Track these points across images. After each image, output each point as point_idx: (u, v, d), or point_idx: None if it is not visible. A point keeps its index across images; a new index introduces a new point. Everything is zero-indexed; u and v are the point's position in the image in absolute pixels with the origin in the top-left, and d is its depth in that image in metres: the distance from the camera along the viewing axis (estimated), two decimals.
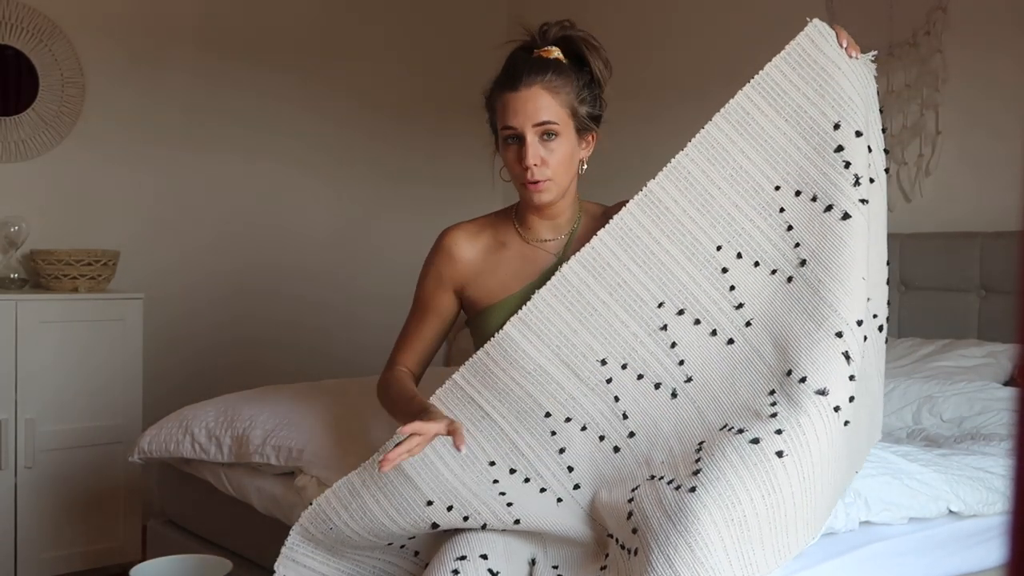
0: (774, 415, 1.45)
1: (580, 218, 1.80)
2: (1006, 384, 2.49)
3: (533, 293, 1.71)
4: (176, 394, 3.46)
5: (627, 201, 1.78)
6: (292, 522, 2.02)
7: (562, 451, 1.58)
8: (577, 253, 1.64)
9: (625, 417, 1.57)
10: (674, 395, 1.57)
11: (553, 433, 1.59)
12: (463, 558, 1.46)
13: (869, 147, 1.61)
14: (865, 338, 1.53)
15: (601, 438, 1.58)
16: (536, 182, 1.67)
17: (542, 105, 1.67)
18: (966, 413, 2.37)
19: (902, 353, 2.68)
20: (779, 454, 1.38)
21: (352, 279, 4.05)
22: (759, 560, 1.33)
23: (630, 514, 1.40)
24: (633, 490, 1.46)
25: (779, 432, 1.42)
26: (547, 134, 1.67)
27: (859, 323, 1.52)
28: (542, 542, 1.54)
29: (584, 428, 1.59)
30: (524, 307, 1.62)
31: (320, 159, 3.95)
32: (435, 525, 1.54)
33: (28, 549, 2.94)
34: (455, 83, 4.32)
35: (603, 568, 1.43)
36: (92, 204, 3.41)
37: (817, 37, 1.64)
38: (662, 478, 1.43)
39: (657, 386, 1.58)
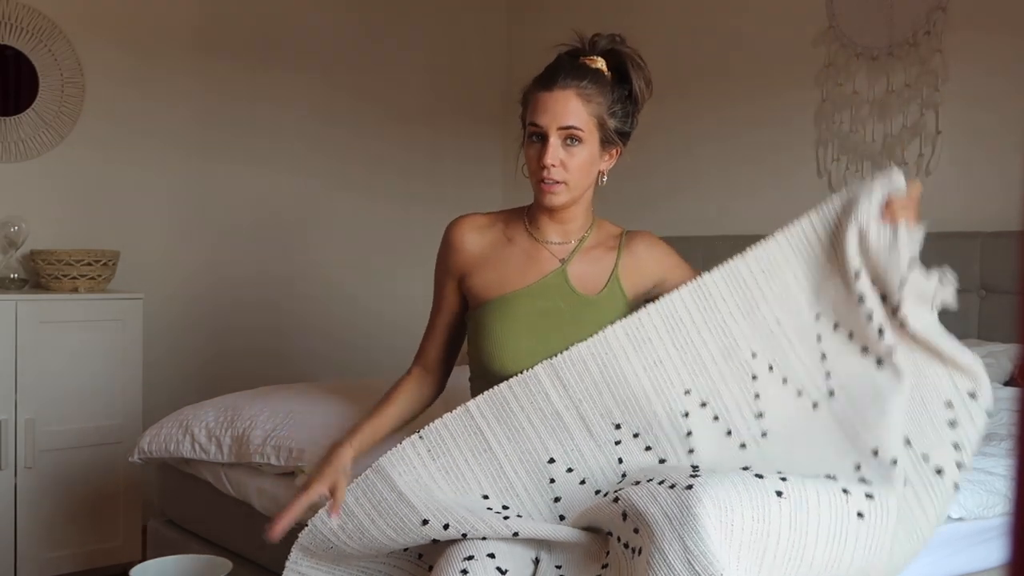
0: (783, 479, 1.46)
1: (592, 231, 1.81)
2: (1006, 384, 2.49)
3: (532, 297, 1.73)
4: (176, 394, 3.46)
5: (645, 234, 1.84)
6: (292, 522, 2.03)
7: (557, 500, 1.59)
8: (622, 321, 1.62)
9: (624, 476, 1.58)
10: None
11: (552, 480, 1.59)
12: (471, 558, 1.46)
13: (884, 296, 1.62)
14: (894, 461, 1.53)
15: (597, 492, 1.58)
16: (550, 183, 1.69)
17: (571, 109, 1.68)
18: None
19: None
20: (778, 493, 1.39)
21: (352, 280, 4.05)
22: (731, 572, 1.33)
23: (624, 515, 1.41)
24: (617, 491, 1.46)
25: (783, 479, 1.43)
26: (570, 139, 1.69)
27: (875, 453, 1.54)
28: (546, 543, 1.55)
29: (583, 482, 1.59)
30: (559, 356, 1.61)
31: (321, 160, 3.95)
32: (436, 541, 1.54)
33: (28, 549, 2.94)
34: (456, 89, 4.33)
35: (605, 567, 1.44)
36: (92, 204, 3.41)
37: (882, 185, 1.64)
38: (651, 480, 1.43)
39: (662, 461, 1.59)
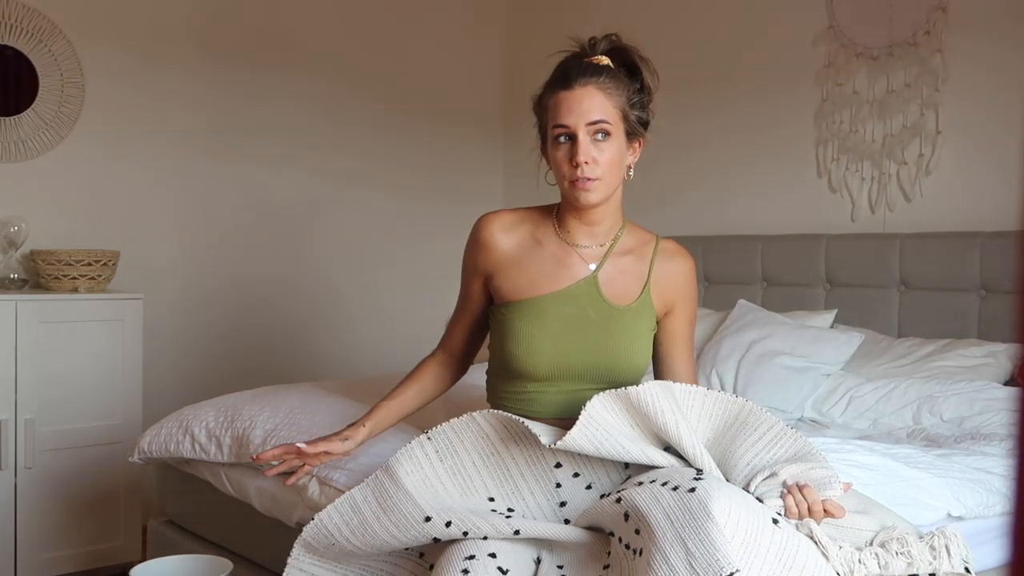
0: (780, 513, 1.44)
1: (623, 233, 1.81)
2: (1006, 384, 2.50)
3: (561, 303, 1.74)
4: (176, 394, 3.47)
5: (685, 255, 1.83)
6: (292, 522, 2.03)
7: (563, 504, 1.59)
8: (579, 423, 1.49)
9: (628, 478, 1.59)
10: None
11: (558, 485, 1.59)
12: (472, 557, 1.46)
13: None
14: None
15: (603, 497, 1.59)
16: (585, 180, 1.68)
17: (596, 104, 1.68)
18: (966, 413, 2.37)
19: (902, 353, 2.68)
20: (774, 521, 1.38)
21: (353, 279, 4.05)
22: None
23: (626, 515, 1.41)
24: (619, 491, 1.46)
25: (780, 513, 1.44)
26: (599, 133, 1.68)
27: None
28: (547, 543, 1.55)
29: (589, 487, 1.60)
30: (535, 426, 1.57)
31: (322, 160, 3.95)
32: (436, 540, 1.54)
33: (28, 549, 2.93)
34: (456, 87, 4.33)
35: (606, 567, 1.44)
36: (92, 204, 3.41)
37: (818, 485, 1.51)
38: (654, 481, 1.43)
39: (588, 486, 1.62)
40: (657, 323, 1.82)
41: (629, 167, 1.77)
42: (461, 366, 1.95)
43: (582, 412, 1.47)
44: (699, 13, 3.68)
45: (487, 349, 1.88)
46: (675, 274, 1.82)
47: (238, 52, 3.71)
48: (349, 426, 1.81)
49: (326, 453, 1.75)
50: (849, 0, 3.14)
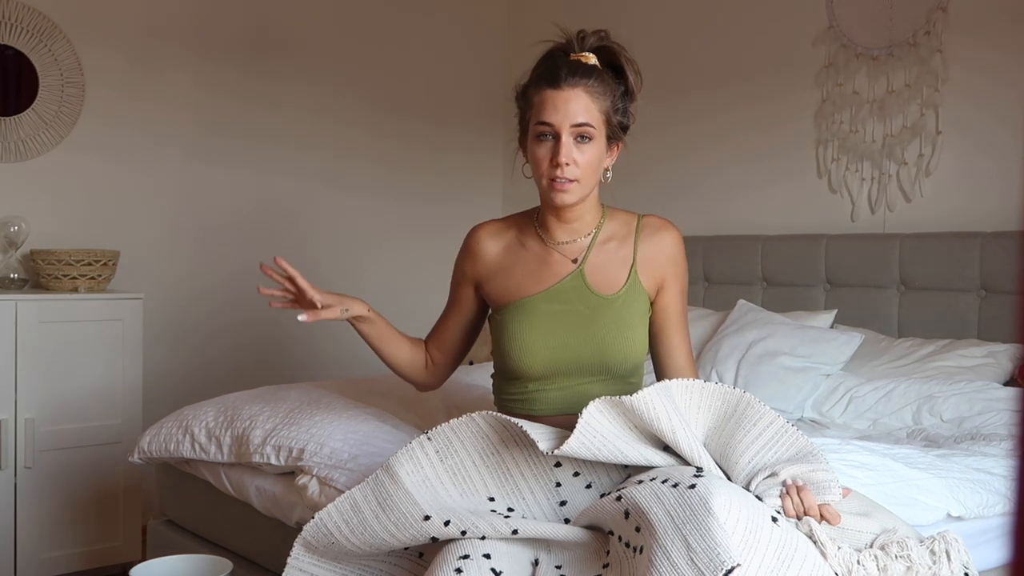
0: (778, 511, 1.45)
1: (603, 223, 1.82)
2: (1006, 384, 2.49)
3: (548, 301, 1.76)
4: (176, 394, 3.46)
5: (666, 226, 1.82)
6: (292, 522, 2.03)
7: (563, 504, 1.59)
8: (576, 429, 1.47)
9: (628, 477, 1.59)
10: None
11: (558, 484, 1.60)
12: (466, 557, 1.46)
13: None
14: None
15: (602, 495, 1.59)
16: (563, 182, 1.69)
17: (582, 106, 1.69)
18: (966, 413, 2.37)
19: (902, 353, 2.68)
20: (774, 519, 1.37)
21: (353, 280, 4.05)
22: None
23: (627, 513, 1.41)
24: (619, 489, 1.46)
25: (779, 511, 1.44)
26: (582, 136, 1.70)
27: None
28: (545, 543, 1.54)
29: (589, 486, 1.60)
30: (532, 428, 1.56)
31: (321, 159, 3.95)
32: (434, 539, 1.54)
33: (28, 549, 2.94)
34: (455, 85, 4.33)
35: (606, 566, 1.43)
36: (92, 204, 3.41)
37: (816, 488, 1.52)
38: (654, 479, 1.43)
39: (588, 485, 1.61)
40: (652, 304, 1.82)
41: (607, 169, 1.79)
42: (435, 363, 1.96)
43: (579, 420, 1.47)
44: (699, 13, 3.68)
45: (491, 353, 1.90)
46: (661, 248, 1.81)
47: (237, 52, 3.71)
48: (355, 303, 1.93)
49: (321, 306, 1.87)
50: (849, 0, 3.14)
